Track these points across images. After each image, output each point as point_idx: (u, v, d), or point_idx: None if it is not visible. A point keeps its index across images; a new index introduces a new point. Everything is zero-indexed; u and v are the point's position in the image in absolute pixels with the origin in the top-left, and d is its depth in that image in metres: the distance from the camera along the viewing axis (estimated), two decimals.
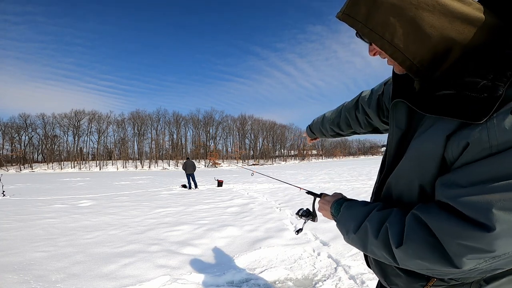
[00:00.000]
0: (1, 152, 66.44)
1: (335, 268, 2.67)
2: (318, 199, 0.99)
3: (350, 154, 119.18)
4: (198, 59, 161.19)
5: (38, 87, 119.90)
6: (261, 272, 2.64)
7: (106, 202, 8.07)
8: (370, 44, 0.58)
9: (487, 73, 0.46)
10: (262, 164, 73.08)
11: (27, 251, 3.39)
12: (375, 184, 0.78)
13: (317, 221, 1.07)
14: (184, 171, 12.60)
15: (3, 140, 67.06)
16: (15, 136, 68.35)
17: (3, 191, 10.38)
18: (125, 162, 73.18)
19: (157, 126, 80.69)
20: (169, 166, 73.31)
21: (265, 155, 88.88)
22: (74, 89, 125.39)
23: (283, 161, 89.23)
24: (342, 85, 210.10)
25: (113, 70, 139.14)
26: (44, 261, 3.04)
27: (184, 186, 12.77)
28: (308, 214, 1.10)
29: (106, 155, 75.56)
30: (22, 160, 65.97)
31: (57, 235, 4.18)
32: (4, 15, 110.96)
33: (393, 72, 0.68)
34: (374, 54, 0.58)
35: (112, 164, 71.97)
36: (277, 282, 2.48)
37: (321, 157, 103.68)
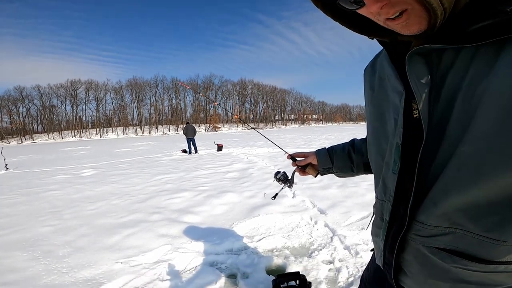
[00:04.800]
0: (1, 125, 66.17)
1: (331, 237, 2.72)
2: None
3: (351, 119, 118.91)
4: (201, 27, 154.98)
5: (34, 60, 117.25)
6: (259, 240, 2.71)
7: (108, 171, 8.18)
8: None
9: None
10: (262, 128, 73.13)
11: (34, 226, 3.45)
12: (393, 167, 0.60)
13: (292, 188, 1.08)
14: (184, 136, 12.62)
15: (1, 113, 66.36)
16: (12, 108, 67.52)
17: (6, 165, 10.43)
18: (125, 129, 73.26)
19: (156, 92, 79.62)
20: (169, 131, 73.58)
21: (265, 119, 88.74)
22: (72, 61, 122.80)
23: (283, 125, 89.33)
24: (347, 52, 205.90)
25: (115, 41, 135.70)
26: (51, 235, 3.11)
27: (184, 151, 12.86)
28: (285, 179, 1.07)
29: (105, 123, 75.43)
30: (22, 131, 65.92)
31: (62, 208, 4.27)
32: None
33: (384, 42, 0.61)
34: (381, 7, 0.47)
35: (112, 131, 72.08)
36: (274, 250, 2.56)
37: (321, 122, 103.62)
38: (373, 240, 0.75)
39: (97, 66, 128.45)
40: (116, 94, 76.48)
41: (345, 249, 2.46)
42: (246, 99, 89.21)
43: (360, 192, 4.23)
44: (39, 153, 19.53)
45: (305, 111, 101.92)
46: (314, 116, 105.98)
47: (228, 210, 3.72)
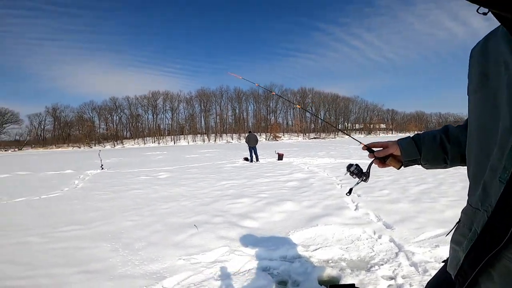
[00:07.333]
0: (99, 130, 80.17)
1: (396, 253, 2.51)
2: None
3: (428, 128, 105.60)
4: (262, 38, 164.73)
5: (124, 73, 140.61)
6: (315, 250, 2.66)
7: (179, 174, 9.04)
8: None
9: None
10: (323, 138, 70.97)
11: (119, 221, 3.95)
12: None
13: (367, 181, 0.98)
14: (246, 144, 13.13)
15: (99, 120, 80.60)
16: (108, 116, 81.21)
17: (102, 165, 12.50)
18: (194, 136, 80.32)
19: (221, 102, 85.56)
20: (232, 139, 77.62)
21: (327, 128, 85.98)
22: (153, 73, 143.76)
23: (347, 134, 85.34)
24: (420, 57, 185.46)
25: (186, 53, 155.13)
26: (131, 229, 3.54)
27: (246, 159, 13.32)
28: (360, 173, 0.98)
29: (178, 130, 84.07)
30: (115, 137, 78.40)
31: (142, 205, 4.85)
32: (97, 11, 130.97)
33: None
34: None
35: (184, 138, 79.83)
36: (330, 262, 2.48)
37: (391, 132, 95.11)
38: (451, 248, 0.70)
39: (172, 78, 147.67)
40: (187, 104, 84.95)
41: (411, 266, 2.25)
42: (307, 108, 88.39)
43: (437, 208, 3.79)
44: (126, 156, 22.77)
45: (372, 120, 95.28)
46: (383, 126, 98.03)
47: (286, 218, 3.74)
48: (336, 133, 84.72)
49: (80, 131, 77.89)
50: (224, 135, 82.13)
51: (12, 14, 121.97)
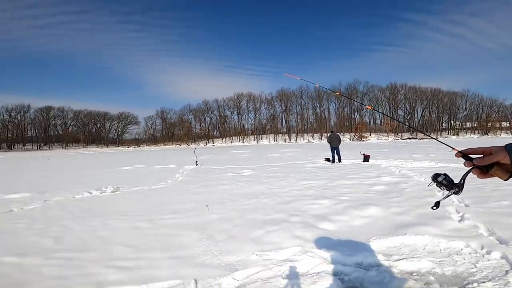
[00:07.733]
0: (195, 130, 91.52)
1: (507, 271, 2.07)
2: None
3: None
4: (340, 34, 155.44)
5: (213, 77, 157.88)
6: (398, 260, 2.40)
7: (261, 172, 9.46)
8: None
9: None
10: (421, 138, 61.85)
11: (206, 213, 4.25)
12: None
13: (459, 194, 0.85)
14: (328, 144, 12.70)
15: (194, 121, 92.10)
16: (201, 118, 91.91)
17: (196, 161, 14.22)
18: (276, 136, 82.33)
19: (301, 101, 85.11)
20: (313, 139, 76.08)
21: (426, 127, 74.28)
22: (237, 76, 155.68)
23: (454, 134, 71.65)
24: None
25: (266, 55, 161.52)
26: (215, 222, 3.78)
27: (327, 159, 12.89)
28: (451, 184, 0.85)
29: (261, 130, 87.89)
30: (207, 136, 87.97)
31: (227, 200, 5.27)
32: (188, 22, 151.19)
33: None
34: None
35: (266, 137, 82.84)
36: (414, 274, 2.19)
37: None
38: None
39: (254, 79, 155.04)
40: (269, 105, 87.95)
41: None
42: (399, 105, 78.59)
43: None
44: (216, 154, 25.17)
45: (489, 118, 77.40)
46: (505, 124, 78.35)
47: (368, 223, 3.48)
48: (440, 133, 72.51)
49: (181, 131, 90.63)
50: (305, 134, 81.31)
51: (127, 28, 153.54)
